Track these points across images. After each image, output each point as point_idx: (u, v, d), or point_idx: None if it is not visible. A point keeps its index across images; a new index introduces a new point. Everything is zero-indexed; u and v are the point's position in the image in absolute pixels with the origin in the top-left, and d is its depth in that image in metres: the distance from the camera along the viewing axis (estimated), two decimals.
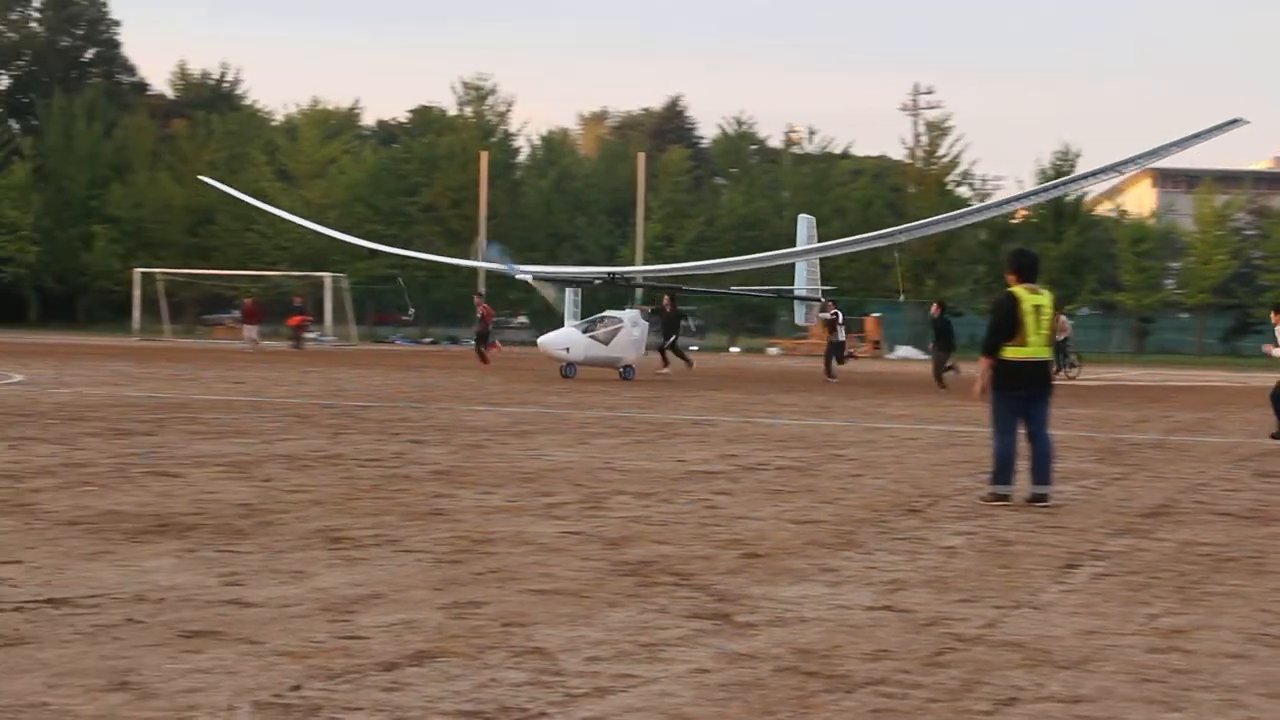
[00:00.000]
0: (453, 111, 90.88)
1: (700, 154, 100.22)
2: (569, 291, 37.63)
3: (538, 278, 39.93)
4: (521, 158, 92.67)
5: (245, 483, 11.99)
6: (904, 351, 70.13)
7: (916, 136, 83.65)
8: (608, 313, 36.46)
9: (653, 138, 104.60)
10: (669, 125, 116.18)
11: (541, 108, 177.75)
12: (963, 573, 8.63)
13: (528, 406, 23.76)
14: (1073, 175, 47.98)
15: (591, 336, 34.73)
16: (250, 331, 52.48)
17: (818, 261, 45.82)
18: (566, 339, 34.96)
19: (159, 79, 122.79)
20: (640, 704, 5.48)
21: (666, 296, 37.78)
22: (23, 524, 9.29)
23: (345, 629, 6.53)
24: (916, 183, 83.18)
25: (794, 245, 46.48)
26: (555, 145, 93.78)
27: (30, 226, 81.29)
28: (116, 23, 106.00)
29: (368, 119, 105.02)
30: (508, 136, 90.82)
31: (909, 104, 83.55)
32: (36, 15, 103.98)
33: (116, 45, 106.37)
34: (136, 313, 70.69)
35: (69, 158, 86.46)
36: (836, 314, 38.02)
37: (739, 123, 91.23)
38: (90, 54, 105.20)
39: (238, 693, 5.40)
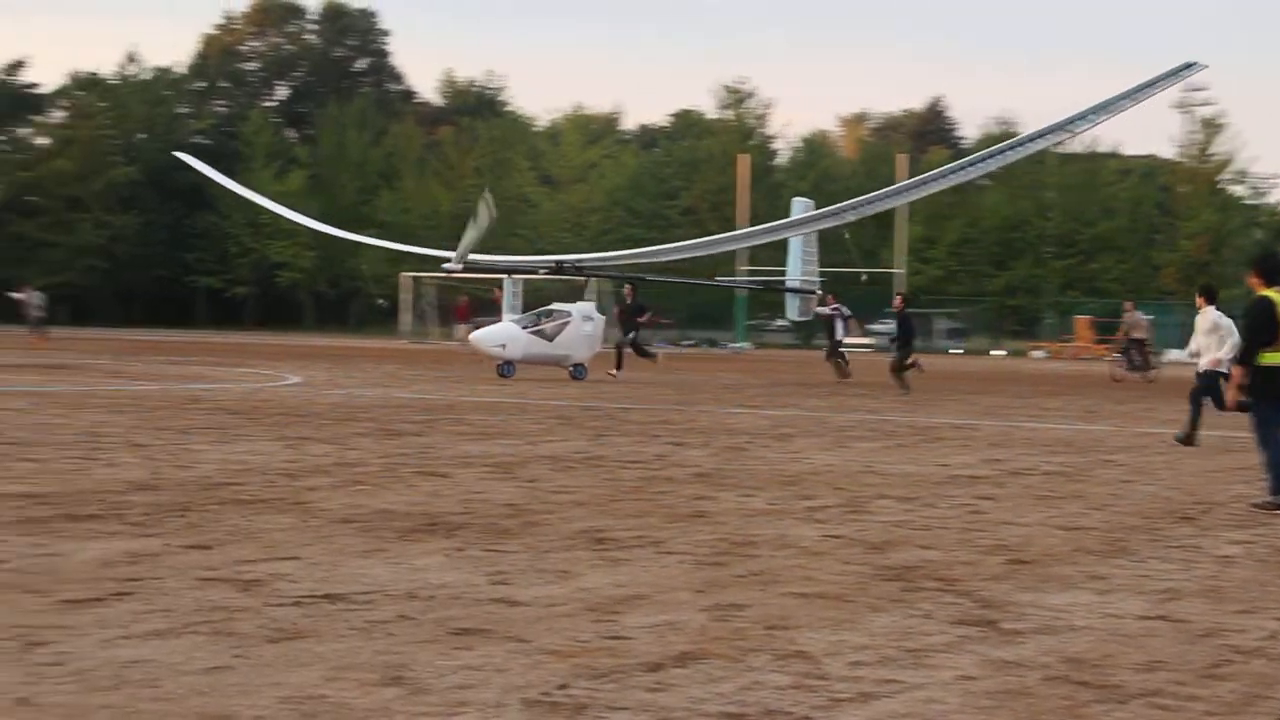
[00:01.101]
0: (712, 115, 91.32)
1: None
2: (508, 282, 34.52)
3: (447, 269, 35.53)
4: (781, 160, 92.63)
5: (511, 483, 12.20)
6: (1175, 355, 68.08)
7: (1188, 134, 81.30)
8: (554, 305, 33.13)
9: (914, 139, 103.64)
10: (930, 126, 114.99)
11: (801, 110, 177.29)
12: (1241, 582, 8.35)
13: (787, 409, 23.71)
14: (1019, 138, 38.32)
15: (533, 332, 31.62)
16: (461, 331, 53.17)
17: (815, 249, 41.44)
18: (502, 335, 31.79)
19: (426, 87, 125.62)
20: (905, 710, 5.42)
21: (628, 286, 35.08)
22: (299, 521, 9.58)
23: (610, 629, 6.59)
24: (1187, 182, 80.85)
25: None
26: (815, 147, 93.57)
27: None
28: (386, 33, 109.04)
29: (629, 123, 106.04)
30: (767, 139, 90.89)
31: (1182, 101, 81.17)
32: (312, 28, 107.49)
33: (386, 55, 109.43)
34: (405, 316, 72.50)
35: (341, 165, 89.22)
36: (838, 308, 35.06)
37: (1001, 122, 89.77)
38: (362, 64, 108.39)
39: (506, 690, 5.49)
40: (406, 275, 72.82)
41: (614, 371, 32.43)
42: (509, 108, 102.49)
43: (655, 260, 38.43)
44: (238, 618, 6.53)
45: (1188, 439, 17.81)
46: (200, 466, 12.68)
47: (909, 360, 29.75)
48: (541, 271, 35.92)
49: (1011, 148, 36.21)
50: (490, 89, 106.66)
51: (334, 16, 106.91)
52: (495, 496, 11.23)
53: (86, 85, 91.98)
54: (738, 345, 71.46)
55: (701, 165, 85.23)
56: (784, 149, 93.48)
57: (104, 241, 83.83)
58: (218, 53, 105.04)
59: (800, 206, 41.22)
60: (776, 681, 5.75)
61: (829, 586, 7.82)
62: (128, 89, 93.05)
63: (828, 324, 35.94)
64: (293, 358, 41.33)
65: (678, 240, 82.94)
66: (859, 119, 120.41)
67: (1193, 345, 18.32)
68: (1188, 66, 32.54)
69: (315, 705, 5.19)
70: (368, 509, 10.29)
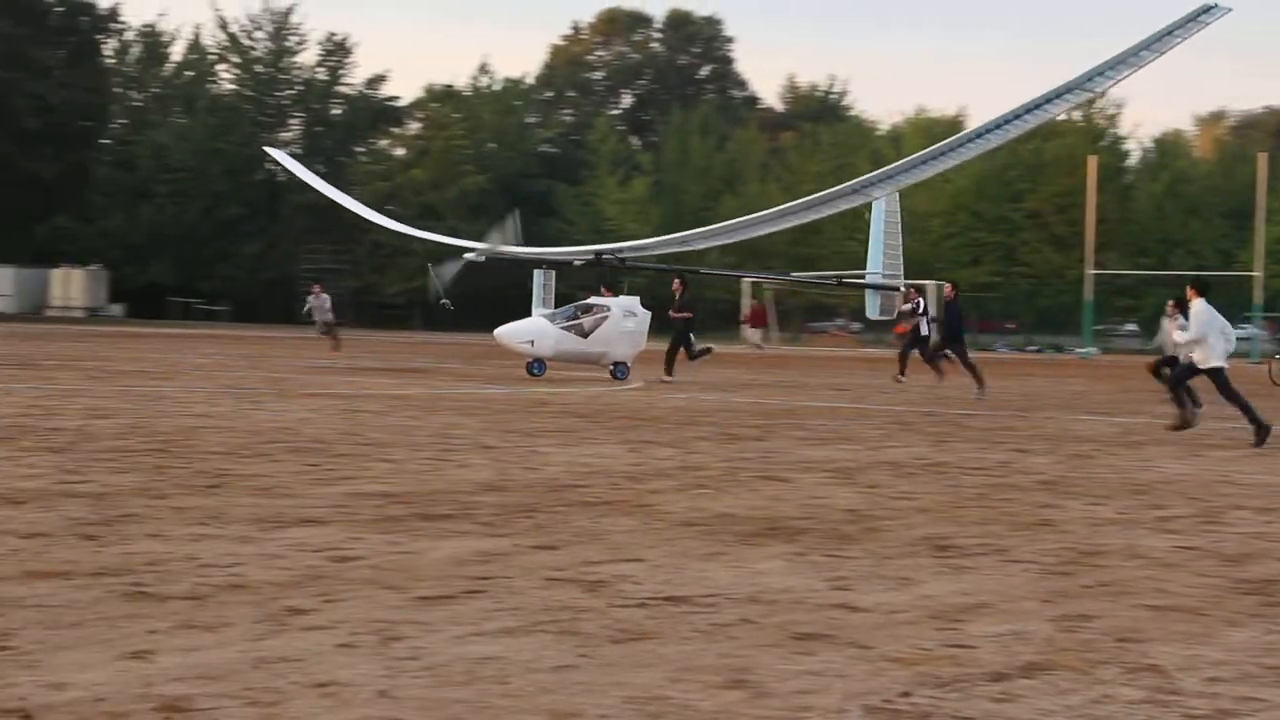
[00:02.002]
0: (1061, 116, 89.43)
1: None
2: (538, 274, 33.00)
3: (438, 267, 33.60)
4: (1132, 161, 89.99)
5: (851, 488, 12.15)
6: None
7: None
8: (593, 299, 31.35)
9: (1275, 137, 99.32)
10: None
11: (1154, 110, 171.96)
12: None
13: (1138, 417, 23.02)
14: (1029, 102, 33.84)
15: (564, 327, 29.74)
16: (754, 336, 52.55)
17: (899, 241, 38.33)
18: (531, 330, 29.94)
19: (769, 93, 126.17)
20: None
21: (677, 280, 32.59)
22: (643, 524, 9.72)
23: (953, 637, 6.50)
24: None
25: None
26: (1168, 148, 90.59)
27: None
28: (729, 40, 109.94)
29: (973, 125, 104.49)
30: (1118, 140, 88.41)
31: None
32: (657, 36, 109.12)
33: (730, 62, 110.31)
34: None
35: (685, 172, 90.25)
36: (919, 303, 32.18)
37: None
38: (705, 71, 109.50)
39: (848, 696, 5.46)
40: (745, 280, 73.27)
41: (666, 377, 30.01)
42: (851, 112, 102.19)
43: (690, 249, 35.40)
44: (584, 618, 6.66)
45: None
46: (547, 469, 12.98)
47: (943, 350, 29.11)
48: (577, 263, 33.64)
49: (1018, 115, 33.29)
50: (833, 94, 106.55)
51: (678, 25, 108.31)
52: (836, 502, 11.20)
53: (441, 97, 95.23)
54: (1084, 351, 69.65)
55: (1048, 168, 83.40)
56: (1135, 150, 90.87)
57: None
58: (565, 63, 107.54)
59: (882, 200, 38.33)
60: (1128, 695, 5.58)
61: (1182, 599, 7.55)
62: (480, 100, 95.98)
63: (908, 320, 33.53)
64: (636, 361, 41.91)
65: (1023, 243, 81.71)
66: (1216, 118, 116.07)
67: (1191, 334, 18.34)
68: (1207, 10, 29.48)
69: (659, 706, 5.25)
70: (709, 512, 10.37)
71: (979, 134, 32.88)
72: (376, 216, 40.58)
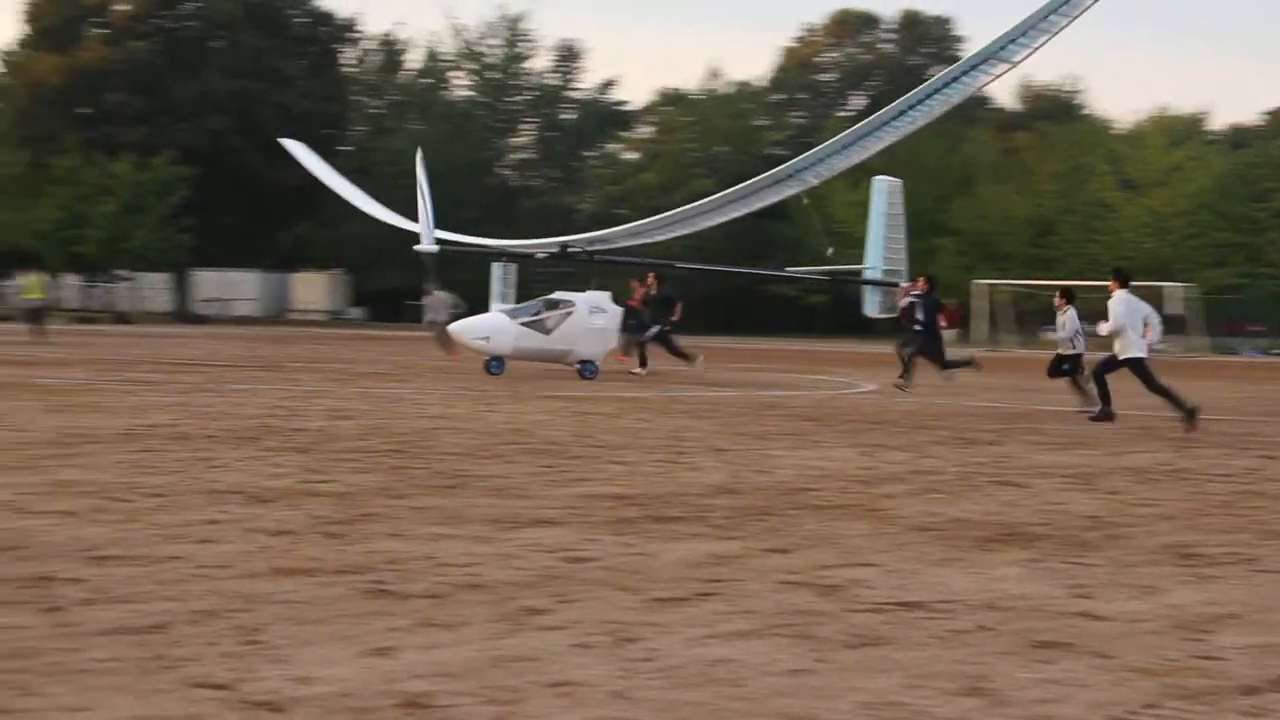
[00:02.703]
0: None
1: None
2: (496, 267, 31.18)
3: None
4: None
5: (1091, 494, 11.89)
6: None
7: None
8: (558, 294, 29.69)
9: None
10: None
11: None
12: None
13: None
14: (945, 73, 29.87)
15: (525, 323, 28.12)
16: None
17: (903, 234, 35.35)
18: (487, 326, 28.34)
19: (1003, 93, 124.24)
20: None
21: (651, 275, 30.90)
22: (875, 528, 9.63)
23: (1200, 648, 6.31)
24: None
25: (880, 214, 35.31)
26: None
27: None
28: (960, 39, 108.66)
29: (1217, 123, 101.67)
30: None
31: None
32: (888, 36, 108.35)
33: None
34: (980, 324, 71.93)
35: (916, 173, 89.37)
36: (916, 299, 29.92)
37: None
38: (936, 71, 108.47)
39: (1090, 706, 5.34)
40: (980, 283, 72.25)
41: (637, 370, 29.19)
42: (1087, 111, 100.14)
43: (644, 240, 32.45)
44: (818, 622, 6.62)
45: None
46: (778, 472, 12.95)
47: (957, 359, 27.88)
48: (539, 255, 31.57)
49: (937, 90, 29.61)
50: (1068, 92, 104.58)
51: (910, 25, 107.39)
52: (1075, 508, 10.97)
53: (672, 101, 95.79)
54: None
55: None
56: None
57: (685, 252, 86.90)
58: (795, 65, 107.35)
59: (883, 188, 35.70)
60: None
61: None
62: (710, 103, 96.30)
63: (908, 314, 31.16)
64: (866, 365, 41.66)
65: (1271, 243, 79.15)
66: None
67: (1112, 326, 18.70)
68: None
69: (895, 712, 5.19)
70: (944, 517, 10.24)
71: (899, 113, 29.86)
72: (382, 212, 37.77)
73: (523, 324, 27.84)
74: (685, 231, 30.86)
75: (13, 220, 73.18)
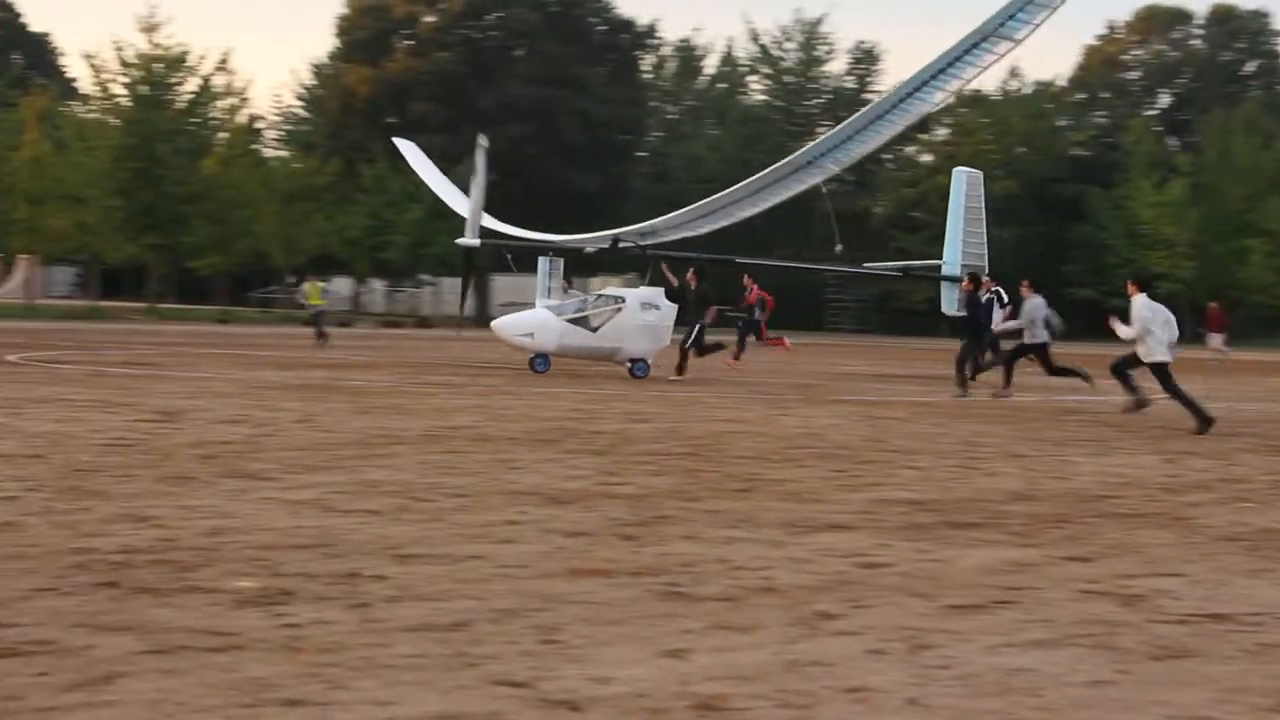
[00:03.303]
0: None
1: None
2: (543, 262, 29.48)
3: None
4: None
5: None
6: None
7: None
8: (607, 289, 28.85)
9: None
10: None
11: None
12: None
13: None
14: (937, 61, 24.62)
15: (570, 320, 27.08)
16: (1215, 341, 48.32)
17: (983, 227, 32.75)
18: (531, 322, 27.30)
19: None
20: None
21: (691, 270, 28.53)
22: (1181, 537, 9.34)
23: None
24: None
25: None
26: None
27: (1186, 243, 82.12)
28: (1278, 34, 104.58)
29: None
30: None
31: None
32: (1198, 32, 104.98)
33: (1277, 56, 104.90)
34: None
35: (1226, 173, 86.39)
36: (996, 293, 28.59)
37: None
38: (1251, 67, 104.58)
39: None
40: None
41: (676, 375, 27.28)
42: None
43: (683, 234, 30.00)
44: (1120, 632, 6.45)
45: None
46: (1078, 478, 12.65)
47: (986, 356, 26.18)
48: (589, 250, 29.99)
49: (935, 75, 26.71)
50: None
51: (1222, 20, 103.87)
52: None
53: (970, 102, 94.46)
54: None
55: None
56: None
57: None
58: (1099, 63, 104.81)
59: (961, 179, 33.45)
60: None
61: None
62: (1008, 104, 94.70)
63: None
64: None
65: None
66: None
67: (1135, 330, 18.46)
68: None
69: None
70: (1253, 527, 9.87)
71: (900, 99, 27.50)
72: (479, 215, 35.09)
73: (568, 320, 27.04)
74: (726, 222, 29.07)
75: (325, 228, 75.99)
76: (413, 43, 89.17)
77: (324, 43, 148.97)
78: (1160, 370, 18.56)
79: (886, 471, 12.70)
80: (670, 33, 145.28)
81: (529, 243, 31.84)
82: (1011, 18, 24.16)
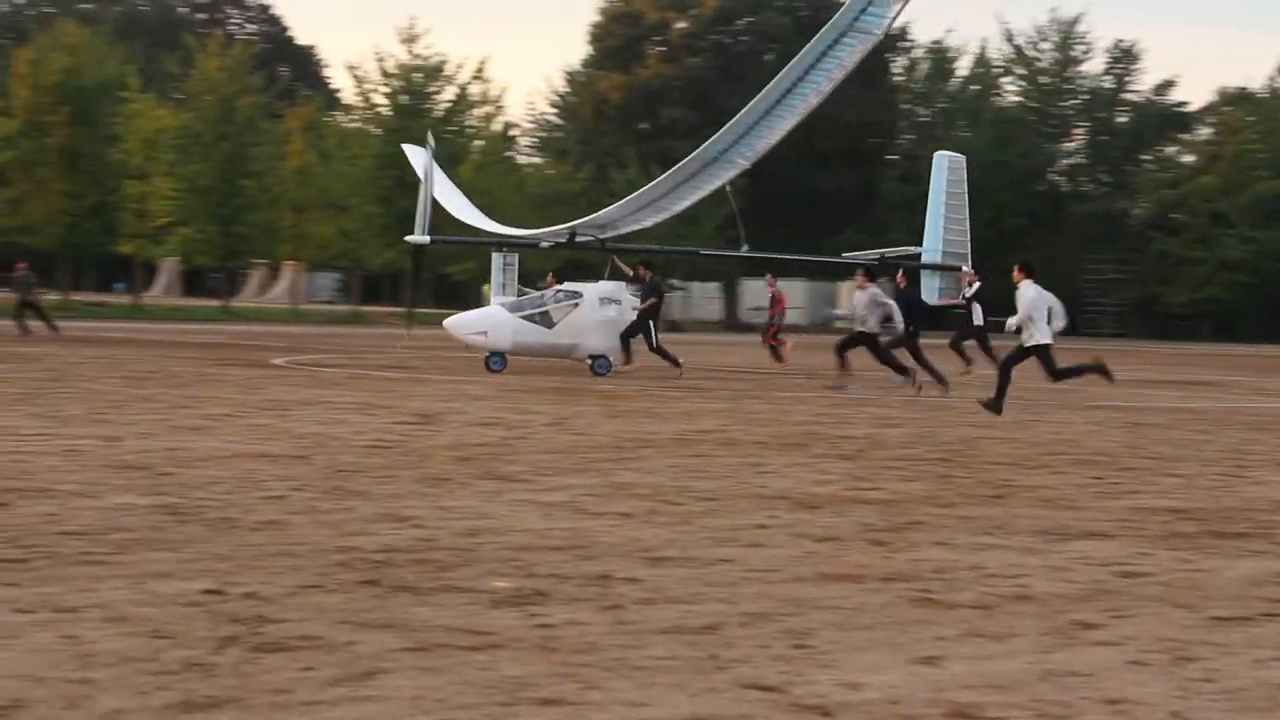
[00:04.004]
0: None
1: None
2: (497, 257, 28.37)
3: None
4: None
5: None
6: None
7: None
8: (564, 285, 27.73)
9: None
10: None
11: None
12: None
13: None
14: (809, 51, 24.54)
15: (525, 317, 25.98)
16: None
17: (965, 214, 30.97)
18: (485, 320, 26.39)
19: None
20: None
21: (639, 265, 27.42)
22: None
23: None
24: None
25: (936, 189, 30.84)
26: None
27: None
28: None
29: None
30: None
31: None
32: None
33: None
34: None
35: None
36: (977, 286, 27.92)
37: None
38: None
39: None
40: None
41: (625, 365, 26.13)
42: None
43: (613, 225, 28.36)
44: None
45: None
46: None
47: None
48: (544, 244, 28.94)
49: (806, 72, 24.91)
50: None
51: None
52: None
53: (1235, 100, 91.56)
54: None
55: None
56: None
57: (1248, 257, 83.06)
58: None
59: (943, 163, 31.60)
60: None
61: None
62: (1276, 101, 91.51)
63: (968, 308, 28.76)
64: None
65: None
66: None
67: (1020, 316, 18.78)
68: None
69: None
70: None
71: (782, 94, 25.69)
72: (479, 218, 33.03)
73: (523, 318, 26.13)
74: (662, 217, 28.12)
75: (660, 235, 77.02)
76: (664, 49, 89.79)
77: (577, 50, 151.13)
78: (1044, 353, 19.09)
79: (1146, 479, 12.39)
80: (922, 34, 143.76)
81: (484, 239, 31.34)
82: (864, 11, 23.62)
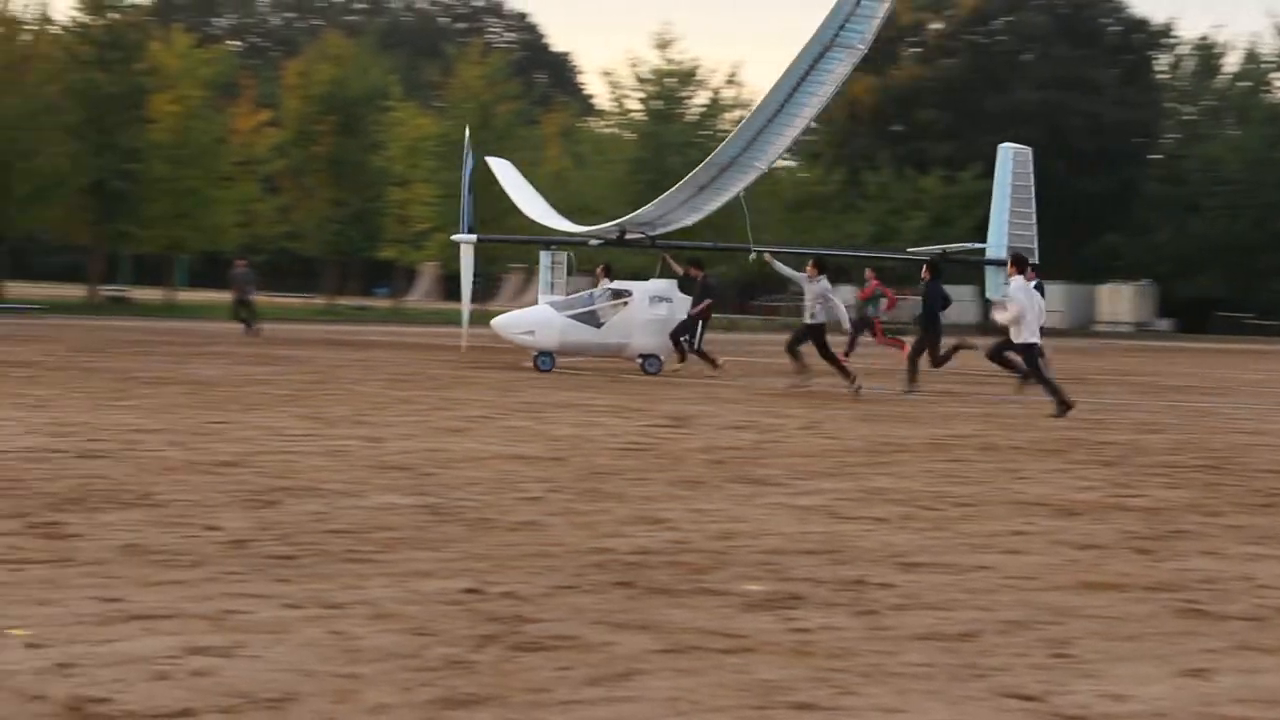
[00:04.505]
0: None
1: None
2: (544, 256, 27.98)
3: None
4: None
5: None
6: None
7: None
8: (613, 284, 26.50)
9: None
10: None
11: None
12: None
13: None
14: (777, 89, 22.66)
15: (573, 316, 25.38)
16: None
17: (1032, 208, 29.13)
18: (532, 319, 25.84)
19: None
20: None
21: (690, 265, 26.15)
22: None
23: None
24: None
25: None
26: None
27: None
28: None
29: None
30: None
31: None
32: None
33: None
34: None
35: None
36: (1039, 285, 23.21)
37: None
38: None
39: None
40: None
41: (676, 364, 25.46)
42: None
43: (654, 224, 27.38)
44: None
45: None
46: None
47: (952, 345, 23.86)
48: (593, 243, 27.98)
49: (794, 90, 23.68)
50: None
51: None
52: None
53: None
54: None
55: None
56: None
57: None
58: None
59: (1008, 154, 29.74)
60: None
61: None
62: None
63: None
64: None
65: None
66: None
67: (1013, 313, 18.72)
68: None
69: None
70: None
71: (774, 112, 24.25)
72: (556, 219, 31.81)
73: (570, 317, 25.69)
74: (695, 217, 27.34)
75: (826, 237, 76.64)
76: (919, 50, 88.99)
77: None
78: (1029, 352, 18.96)
79: None
80: (1188, 31, 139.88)
81: (530, 238, 31.44)
82: (842, 28, 22.73)
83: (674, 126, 67.24)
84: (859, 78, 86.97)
